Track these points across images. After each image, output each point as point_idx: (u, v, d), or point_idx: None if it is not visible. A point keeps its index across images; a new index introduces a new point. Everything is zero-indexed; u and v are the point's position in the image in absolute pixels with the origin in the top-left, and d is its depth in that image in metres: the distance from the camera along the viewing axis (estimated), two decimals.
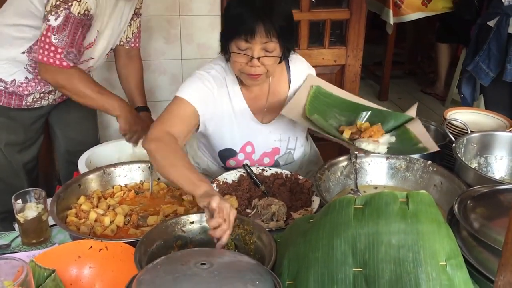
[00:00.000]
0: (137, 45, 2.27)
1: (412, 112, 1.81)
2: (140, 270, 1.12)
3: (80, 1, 1.79)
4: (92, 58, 2.07)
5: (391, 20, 4.56)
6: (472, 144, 1.84)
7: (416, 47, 5.94)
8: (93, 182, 1.70)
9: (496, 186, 1.48)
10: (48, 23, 1.80)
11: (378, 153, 1.63)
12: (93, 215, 1.54)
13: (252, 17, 1.57)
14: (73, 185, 1.65)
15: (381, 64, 5.25)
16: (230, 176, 1.78)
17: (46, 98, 2.12)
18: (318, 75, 1.99)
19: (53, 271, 1.20)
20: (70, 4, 1.78)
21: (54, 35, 1.80)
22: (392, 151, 1.65)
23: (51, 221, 1.49)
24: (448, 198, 1.61)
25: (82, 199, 1.63)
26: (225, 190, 1.70)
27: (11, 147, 2.15)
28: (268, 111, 1.86)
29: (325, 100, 1.82)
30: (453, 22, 4.56)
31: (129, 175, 1.77)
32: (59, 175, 2.68)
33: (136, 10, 2.18)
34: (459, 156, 1.72)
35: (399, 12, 4.55)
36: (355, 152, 1.69)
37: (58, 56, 1.83)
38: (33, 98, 2.09)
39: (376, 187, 1.76)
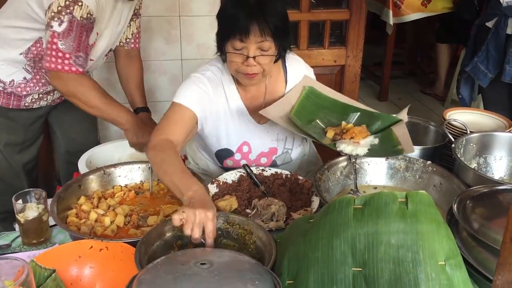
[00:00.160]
0: (137, 45, 2.27)
1: (403, 114, 1.82)
2: (140, 270, 1.12)
3: (81, 5, 1.78)
4: (91, 60, 2.06)
5: (391, 21, 4.56)
6: (471, 144, 1.84)
7: (416, 47, 5.95)
8: (93, 183, 1.71)
9: (496, 186, 1.48)
10: (52, 29, 1.79)
11: (357, 154, 1.63)
12: (93, 215, 1.54)
13: (246, 17, 1.59)
14: (74, 185, 1.65)
15: (381, 64, 5.25)
16: (230, 177, 1.78)
17: (45, 98, 2.12)
18: (317, 75, 2.00)
19: (54, 271, 1.21)
20: (72, 8, 1.77)
21: (61, 40, 1.79)
22: (372, 153, 1.65)
23: (51, 221, 1.49)
24: (447, 198, 1.61)
25: (82, 199, 1.63)
26: (225, 190, 1.71)
27: (10, 148, 2.16)
28: None
29: (316, 101, 1.83)
30: (453, 23, 4.56)
31: (129, 176, 1.78)
32: (59, 175, 2.69)
33: (136, 11, 2.18)
34: (459, 156, 1.73)
35: (399, 13, 4.56)
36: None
37: (67, 61, 1.80)
38: (31, 99, 2.09)
39: (375, 187, 1.77)
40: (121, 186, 1.75)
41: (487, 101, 3.00)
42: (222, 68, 1.80)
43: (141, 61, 2.33)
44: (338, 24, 3.39)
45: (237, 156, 1.88)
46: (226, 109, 1.81)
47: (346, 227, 1.14)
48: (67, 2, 1.77)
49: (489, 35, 2.76)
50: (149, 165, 1.75)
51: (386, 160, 1.76)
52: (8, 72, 2.01)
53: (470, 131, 1.89)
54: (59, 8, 1.78)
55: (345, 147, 1.63)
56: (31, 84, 2.04)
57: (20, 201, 1.47)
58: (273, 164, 1.92)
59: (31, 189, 1.50)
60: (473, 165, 1.85)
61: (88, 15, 1.81)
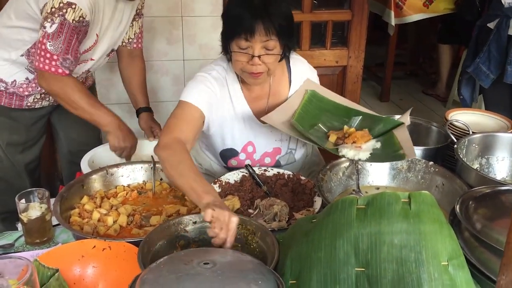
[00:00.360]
0: (139, 45, 2.27)
1: (405, 117, 1.82)
2: (143, 269, 1.13)
3: (75, 8, 1.79)
4: (92, 59, 2.07)
5: (393, 21, 4.56)
6: (473, 145, 1.84)
7: (418, 48, 5.95)
8: (96, 182, 1.71)
9: (498, 187, 1.49)
10: (44, 30, 1.81)
11: (359, 159, 1.62)
12: (96, 215, 1.55)
13: (251, 16, 1.60)
14: (77, 185, 1.66)
15: (382, 65, 5.25)
16: (233, 177, 1.78)
17: (47, 98, 2.13)
18: (319, 76, 2.00)
19: (57, 270, 1.21)
20: (65, 11, 1.78)
21: (50, 41, 1.81)
22: (373, 158, 1.63)
23: (54, 221, 1.50)
24: (449, 199, 1.61)
25: (85, 199, 1.64)
26: (228, 190, 1.71)
27: (12, 147, 2.16)
28: (269, 111, 1.86)
29: (318, 104, 1.83)
30: (455, 23, 4.56)
31: (132, 175, 1.78)
32: (61, 175, 2.69)
33: (138, 11, 2.18)
34: (461, 157, 1.73)
35: (401, 13, 4.55)
36: None
37: (53, 63, 1.83)
38: (33, 99, 2.09)
39: (377, 188, 1.77)
40: (124, 186, 1.75)
41: (488, 102, 3.00)
42: (227, 67, 1.81)
43: (144, 61, 2.33)
44: (340, 25, 3.39)
45: (242, 156, 1.88)
46: (231, 109, 1.82)
47: (349, 227, 1.14)
48: (61, 4, 1.78)
49: (491, 36, 2.76)
50: (152, 165, 1.75)
51: None
52: (10, 72, 2.01)
53: (472, 132, 1.89)
54: (53, 9, 1.79)
55: (347, 151, 1.62)
56: (33, 84, 2.04)
57: (23, 201, 1.47)
58: (277, 164, 1.93)
59: (34, 188, 1.50)
60: (475, 165, 1.85)
61: (81, 18, 1.81)
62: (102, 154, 2.05)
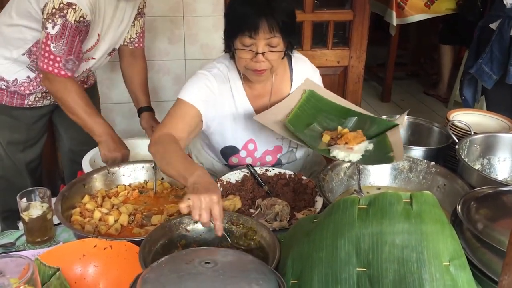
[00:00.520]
0: (141, 45, 2.27)
1: (401, 119, 1.81)
2: (144, 268, 1.12)
3: (75, 8, 1.79)
4: (93, 58, 2.07)
5: (394, 22, 4.56)
6: (475, 145, 1.84)
7: (419, 48, 5.95)
8: (97, 181, 1.71)
9: (499, 188, 1.48)
10: (46, 31, 1.81)
11: (349, 161, 1.59)
12: (97, 214, 1.55)
13: (255, 13, 1.60)
14: (78, 184, 1.66)
15: (384, 65, 5.25)
16: (234, 176, 1.78)
17: (48, 97, 2.13)
18: (320, 76, 1.99)
19: (58, 269, 1.21)
20: (65, 11, 1.79)
21: (53, 43, 1.81)
22: (364, 159, 1.61)
23: (55, 220, 1.50)
24: (451, 199, 1.61)
25: (86, 198, 1.64)
26: (229, 190, 1.71)
27: (13, 146, 2.16)
28: None
29: (316, 104, 1.83)
30: (456, 24, 4.56)
31: (133, 175, 1.78)
32: (63, 174, 2.69)
33: (140, 10, 2.19)
34: (462, 157, 1.73)
35: (402, 14, 4.56)
36: None
37: (56, 64, 1.84)
38: (35, 98, 2.09)
39: (379, 188, 1.77)
40: (125, 185, 1.75)
41: (490, 103, 3.00)
42: (229, 65, 1.81)
43: (145, 61, 2.33)
44: (342, 25, 3.39)
45: (243, 154, 1.88)
46: (233, 106, 1.82)
47: (351, 227, 1.14)
48: (61, 5, 1.78)
49: (493, 37, 2.76)
50: (153, 164, 1.75)
51: None
52: (12, 71, 2.02)
53: (474, 132, 1.89)
54: (54, 10, 1.79)
55: (338, 153, 1.60)
56: (34, 83, 2.05)
57: (24, 200, 1.47)
58: (278, 163, 1.93)
59: (36, 187, 1.51)
60: (477, 166, 1.84)
61: (82, 18, 1.82)
62: None
